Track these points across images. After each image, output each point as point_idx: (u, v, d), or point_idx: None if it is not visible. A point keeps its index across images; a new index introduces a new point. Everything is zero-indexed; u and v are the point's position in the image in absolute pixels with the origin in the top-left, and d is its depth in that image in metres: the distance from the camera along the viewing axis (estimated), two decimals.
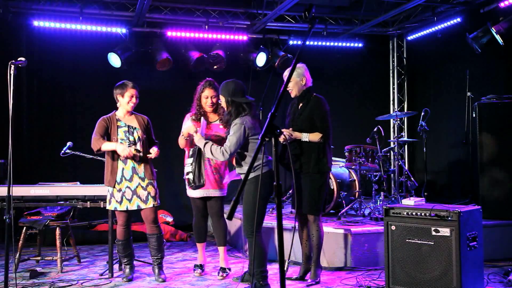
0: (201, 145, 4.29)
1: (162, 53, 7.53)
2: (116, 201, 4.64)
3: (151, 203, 4.67)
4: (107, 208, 4.74)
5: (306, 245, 4.66)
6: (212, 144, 4.23)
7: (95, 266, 5.45)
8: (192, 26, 7.81)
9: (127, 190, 4.63)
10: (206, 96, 4.81)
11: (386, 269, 4.14)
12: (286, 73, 4.57)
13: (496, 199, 5.85)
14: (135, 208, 4.65)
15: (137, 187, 4.64)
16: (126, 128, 4.70)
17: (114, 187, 4.63)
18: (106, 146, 4.60)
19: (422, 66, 8.96)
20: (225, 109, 4.36)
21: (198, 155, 4.60)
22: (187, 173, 4.65)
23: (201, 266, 5.05)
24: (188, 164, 4.65)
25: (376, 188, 6.45)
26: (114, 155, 4.65)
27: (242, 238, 6.26)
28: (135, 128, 4.72)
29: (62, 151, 5.30)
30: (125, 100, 4.71)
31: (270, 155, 4.30)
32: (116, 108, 4.83)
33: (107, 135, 4.66)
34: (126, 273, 4.80)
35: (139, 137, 4.69)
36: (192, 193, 4.82)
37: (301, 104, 4.54)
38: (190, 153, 4.70)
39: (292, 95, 4.58)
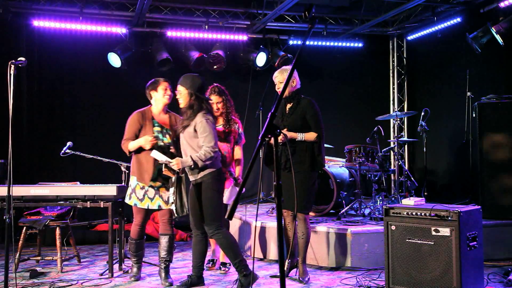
0: (189, 164, 4.16)
1: (162, 53, 7.53)
2: (138, 198, 4.58)
3: (171, 204, 4.58)
4: (126, 202, 4.67)
5: (292, 242, 4.68)
6: (192, 155, 4.16)
7: (95, 266, 5.45)
8: (192, 26, 7.81)
9: (150, 189, 4.58)
10: (212, 103, 4.91)
11: (386, 269, 4.14)
12: (276, 74, 4.63)
13: (496, 199, 5.85)
14: (156, 207, 4.62)
15: (160, 187, 4.61)
16: (160, 128, 4.62)
17: (141, 183, 4.56)
18: (132, 145, 4.53)
19: (422, 66, 8.96)
20: (186, 102, 4.30)
21: (178, 183, 4.39)
22: (171, 203, 4.47)
23: (213, 261, 5.21)
24: (171, 194, 4.47)
25: (376, 188, 6.45)
26: (144, 156, 4.53)
27: (242, 238, 6.26)
28: (167, 129, 4.64)
29: (62, 151, 5.30)
30: (160, 94, 4.61)
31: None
32: (150, 104, 4.73)
33: (138, 134, 4.57)
34: (134, 272, 4.77)
35: (170, 141, 4.62)
36: None
37: (290, 105, 4.61)
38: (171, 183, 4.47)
39: (287, 94, 4.61)
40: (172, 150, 4.59)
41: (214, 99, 4.94)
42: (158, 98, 4.63)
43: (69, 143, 5.31)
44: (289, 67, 4.73)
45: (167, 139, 4.61)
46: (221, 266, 5.08)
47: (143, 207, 4.60)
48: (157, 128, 4.60)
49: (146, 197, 4.59)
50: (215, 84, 5.06)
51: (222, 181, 4.41)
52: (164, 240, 4.65)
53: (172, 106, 4.72)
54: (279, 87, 4.62)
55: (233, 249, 4.24)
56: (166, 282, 4.59)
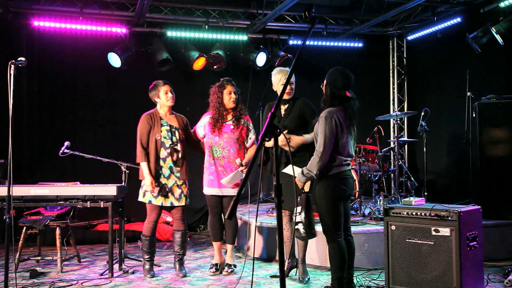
0: (303, 179, 3.91)
1: (162, 53, 7.52)
2: (152, 195, 4.78)
3: (183, 201, 4.90)
4: (139, 200, 4.85)
5: (291, 242, 4.66)
6: (304, 168, 3.90)
7: (95, 266, 5.45)
8: (192, 26, 7.81)
9: (163, 186, 4.81)
10: (230, 92, 4.90)
11: (386, 269, 4.14)
12: (279, 76, 4.62)
13: (496, 199, 5.85)
14: (168, 205, 4.84)
15: (173, 185, 4.85)
16: (168, 127, 4.86)
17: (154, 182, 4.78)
18: (143, 167, 4.75)
19: (422, 66, 8.96)
20: (323, 94, 4.07)
21: (307, 204, 4.05)
22: (297, 223, 4.08)
23: (216, 265, 5.03)
24: (297, 214, 4.11)
25: (376, 188, 6.44)
26: (156, 156, 4.78)
27: (242, 238, 6.27)
28: (176, 128, 4.89)
29: (61, 151, 5.29)
30: (163, 98, 4.87)
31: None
32: (155, 106, 4.97)
33: (149, 135, 4.80)
34: (147, 269, 4.87)
35: (179, 138, 4.88)
36: (207, 191, 4.96)
37: (285, 107, 4.62)
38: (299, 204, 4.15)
39: (288, 97, 4.61)
40: (180, 148, 4.85)
41: (231, 88, 4.90)
42: (162, 103, 4.89)
43: (66, 143, 5.29)
44: (288, 69, 4.71)
45: (176, 138, 4.86)
46: (226, 267, 4.99)
47: (158, 204, 4.79)
48: (166, 128, 4.84)
49: (160, 195, 4.80)
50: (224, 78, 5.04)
51: (336, 189, 3.89)
52: (177, 236, 4.91)
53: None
54: (287, 90, 4.57)
55: (337, 264, 3.90)
56: (180, 273, 4.90)
